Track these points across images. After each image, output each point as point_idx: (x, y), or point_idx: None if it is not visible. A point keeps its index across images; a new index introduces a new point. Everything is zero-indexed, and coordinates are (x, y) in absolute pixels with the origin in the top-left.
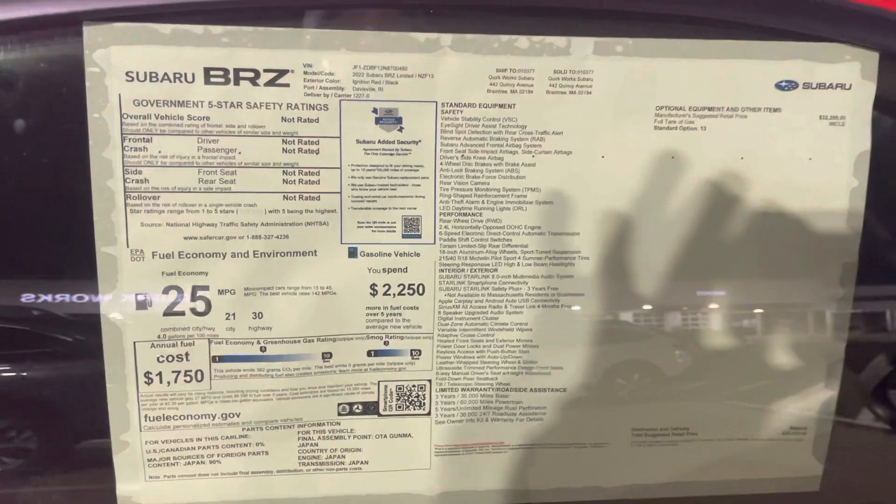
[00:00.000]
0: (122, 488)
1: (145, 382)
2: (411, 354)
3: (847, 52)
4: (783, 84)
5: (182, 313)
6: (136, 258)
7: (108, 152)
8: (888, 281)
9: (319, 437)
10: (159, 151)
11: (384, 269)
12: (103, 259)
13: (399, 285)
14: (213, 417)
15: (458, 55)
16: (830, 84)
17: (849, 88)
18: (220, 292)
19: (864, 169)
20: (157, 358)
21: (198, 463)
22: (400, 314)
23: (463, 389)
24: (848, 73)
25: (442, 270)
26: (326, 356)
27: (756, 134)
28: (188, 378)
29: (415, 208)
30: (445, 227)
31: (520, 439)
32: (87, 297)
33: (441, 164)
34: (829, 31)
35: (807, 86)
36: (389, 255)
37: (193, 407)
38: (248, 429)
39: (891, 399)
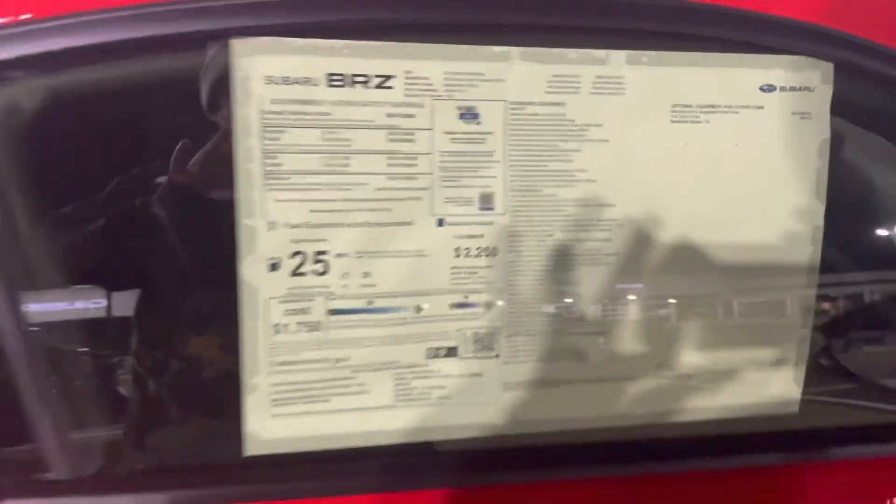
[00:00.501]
0: (250, 426)
1: (273, 333)
2: (486, 306)
3: (810, 63)
4: (765, 87)
5: (305, 274)
6: (271, 228)
7: (250, 141)
8: (850, 242)
9: (412, 377)
10: (291, 141)
11: (465, 236)
12: (244, 229)
13: (476, 248)
14: (327, 362)
15: (523, 64)
16: (799, 87)
17: (812, 90)
18: (337, 256)
19: (826, 152)
20: (284, 311)
21: (313, 402)
22: (476, 273)
23: (525, 335)
24: (811, 79)
25: (510, 236)
26: (419, 309)
27: (746, 125)
28: (308, 328)
29: (489, 186)
30: (513, 201)
31: (571, 376)
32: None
33: (509, 150)
34: (797, 47)
35: (782, 89)
36: (469, 224)
37: (311, 353)
38: (355, 371)
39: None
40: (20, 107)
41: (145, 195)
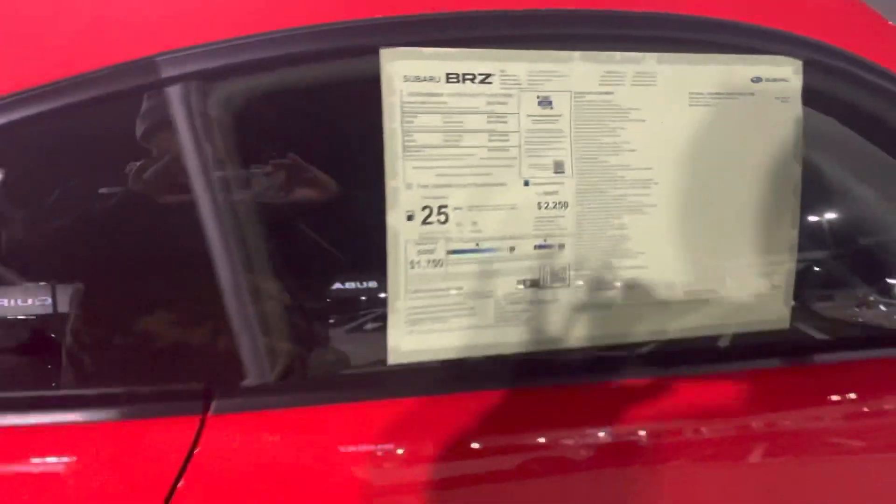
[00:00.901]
0: (392, 340)
1: (409, 268)
2: (559, 247)
3: (786, 61)
4: (754, 79)
5: (431, 223)
6: (408, 188)
7: (394, 124)
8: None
9: (506, 303)
10: (421, 123)
11: (544, 193)
12: (390, 189)
13: (553, 203)
14: (447, 290)
15: (583, 64)
16: (779, 78)
17: (788, 81)
18: (454, 209)
19: (799, 126)
20: (417, 251)
21: (437, 321)
22: (553, 221)
23: (588, 269)
24: (787, 73)
25: (577, 193)
26: (511, 249)
27: (742, 107)
28: (433, 265)
29: (560, 155)
30: (578, 166)
31: (621, 301)
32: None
33: (574, 129)
34: (777, 49)
35: (766, 80)
36: (547, 184)
37: (436, 283)
38: (466, 298)
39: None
40: (234, 101)
41: (331, 166)
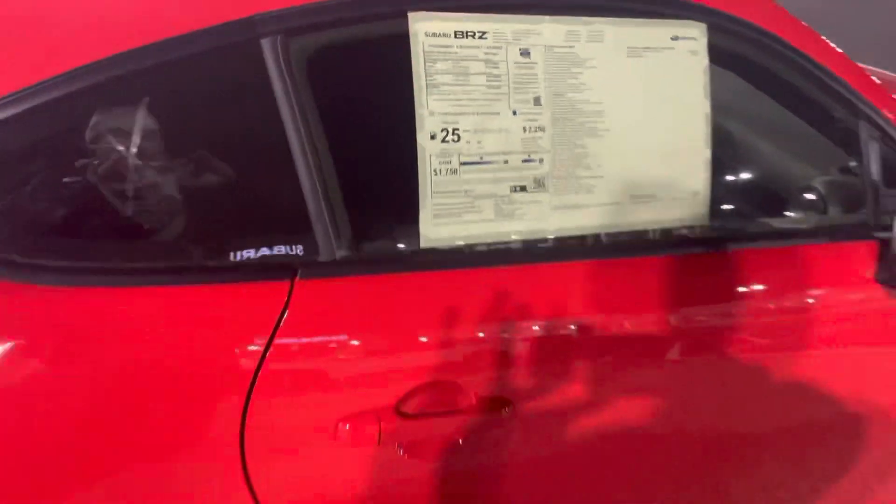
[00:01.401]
0: (423, 229)
1: (433, 174)
2: (540, 161)
3: (695, 24)
4: (673, 38)
5: (448, 141)
6: (431, 115)
7: (419, 68)
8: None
9: (503, 203)
10: (439, 67)
11: (527, 120)
12: (418, 116)
13: (533, 128)
14: (461, 192)
15: (552, 25)
16: (690, 37)
17: (697, 39)
18: (464, 131)
19: (707, 73)
20: (438, 162)
21: (454, 216)
22: (535, 141)
23: (562, 178)
24: (696, 33)
25: (551, 121)
26: (506, 161)
27: (666, 59)
28: (451, 172)
29: (538, 92)
30: (551, 101)
31: (586, 202)
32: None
33: (546, 73)
34: (689, 16)
35: (682, 38)
36: (529, 113)
37: (452, 187)
38: (474, 198)
39: None
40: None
41: (382, 100)
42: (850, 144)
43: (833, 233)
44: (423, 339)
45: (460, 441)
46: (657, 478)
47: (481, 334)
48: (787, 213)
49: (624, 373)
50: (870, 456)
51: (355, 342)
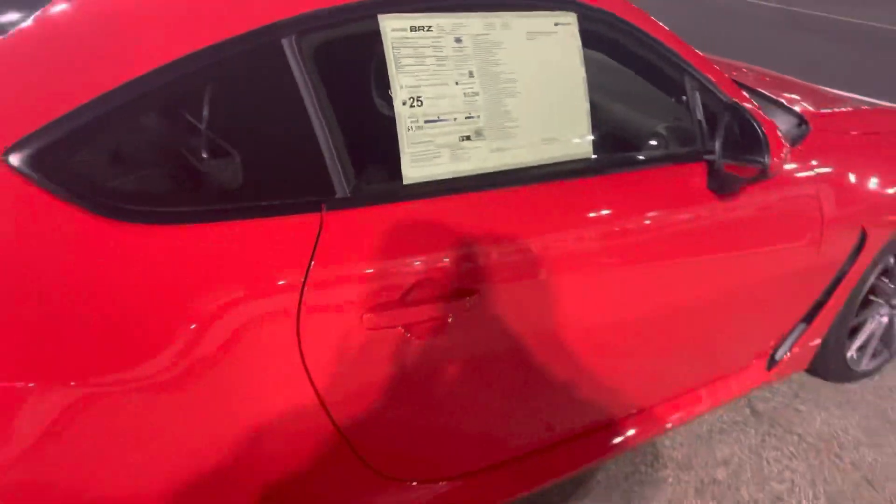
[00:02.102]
0: (404, 170)
1: (407, 130)
2: (478, 117)
3: (570, 14)
4: (556, 24)
5: (414, 106)
6: (402, 88)
7: (390, 53)
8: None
9: (457, 150)
10: (404, 52)
11: (465, 88)
12: (393, 90)
13: (471, 93)
14: (427, 142)
15: (474, 19)
16: (567, 24)
17: (570, 25)
18: (425, 98)
19: (581, 52)
20: (410, 122)
21: (423, 161)
22: (472, 104)
23: (494, 129)
24: (571, 20)
25: (481, 88)
26: (455, 119)
27: (552, 40)
28: (418, 128)
29: (472, 68)
30: (480, 73)
31: (511, 145)
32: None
33: (475, 54)
34: (564, 7)
35: (561, 24)
36: (466, 83)
37: (421, 138)
38: (436, 146)
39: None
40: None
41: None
42: (681, 96)
43: (676, 159)
44: (412, 247)
45: (448, 319)
46: (574, 356)
47: (450, 243)
48: (645, 149)
49: (542, 266)
50: (725, 331)
51: (365, 251)
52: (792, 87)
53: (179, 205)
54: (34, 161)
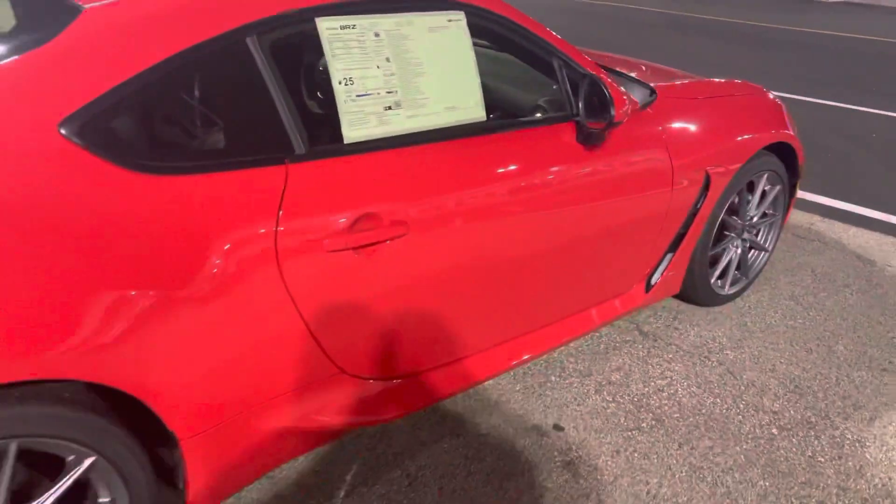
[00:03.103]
0: (344, 132)
1: (343, 103)
2: (396, 92)
3: (459, 13)
4: (449, 20)
5: (347, 84)
6: (337, 71)
7: (326, 47)
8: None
9: (381, 117)
10: (336, 45)
11: (385, 69)
12: (331, 72)
13: (389, 73)
14: (359, 112)
15: (386, 18)
16: (457, 20)
17: (461, 21)
18: (356, 79)
19: (470, 42)
20: (345, 96)
21: (359, 124)
22: (391, 81)
23: (408, 100)
24: (461, 16)
25: (397, 69)
26: (378, 94)
27: (446, 33)
28: (351, 101)
29: (387, 55)
30: (395, 58)
31: (419, 112)
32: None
33: (389, 44)
34: (454, 7)
35: (453, 21)
36: (384, 66)
37: (354, 108)
38: (366, 114)
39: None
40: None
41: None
42: (550, 72)
43: (552, 121)
44: (354, 190)
45: (387, 242)
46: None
47: (381, 187)
48: (528, 117)
49: (452, 205)
50: (606, 261)
51: (320, 192)
52: (654, 70)
53: (185, 160)
54: (79, 130)
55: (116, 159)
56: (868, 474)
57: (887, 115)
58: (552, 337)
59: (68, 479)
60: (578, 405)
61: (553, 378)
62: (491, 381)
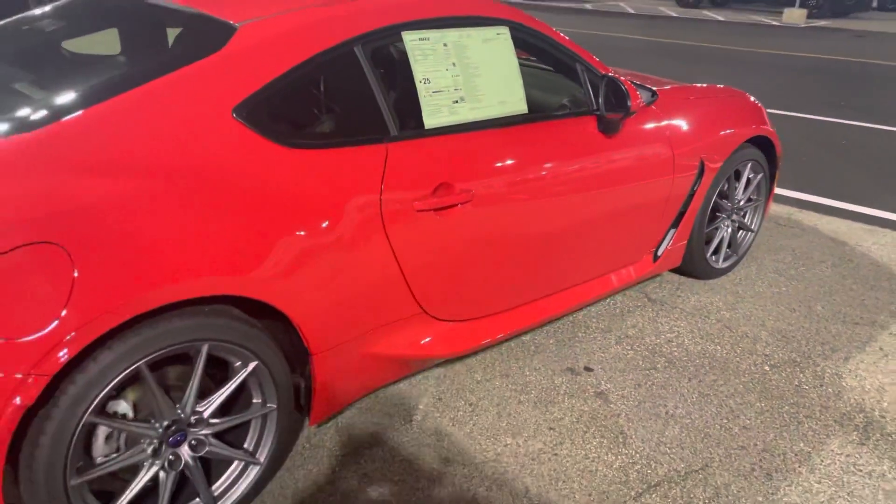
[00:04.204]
0: (424, 120)
1: (424, 97)
2: (463, 89)
3: (504, 26)
4: (497, 33)
5: (427, 83)
6: (418, 72)
7: (410, 55)
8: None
9: (451, 108)
10: (417, 54)
11: (452, 72)
12: (414, 73)
13: (458, 74)
14: (435, 104)
15: (454, 32)
16: (503, 33)
17: (508, 34)
18: (433, 80)
19: (514, 51)
20: (426, 91)
21: (435, 115)
22: (458, 80)
23: (471, 96)
24: (505, 29)
25: (462, 71)
26: (448, 90)
27: (498, 43)
28: (430, 95)
29: (455, 60)
30: (460, 63)
31: (479, 105)
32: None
33: (455, 52)
34: (500, 23)
35: (500, 34)
36: (453, 68)
37: (432, 102)
38: (440, 106)
39: None
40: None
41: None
42: (576, 79)
43: (579, 114)
44: (433, 163)
45: (458, 206)
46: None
47: (452, 161)
48: (559, 110)
49: (505, 176)
50: (624, 234)
51: (410, 164)
52: (651, 79)
53: (315, 139)
54: (246, 114)
55: (270, 136)
56: (845, 397)
57: (855, 125)
58: (581, 294)
59: (238, 378)
60: (603, 353)
61: (579, 334)
62: (528, 336)
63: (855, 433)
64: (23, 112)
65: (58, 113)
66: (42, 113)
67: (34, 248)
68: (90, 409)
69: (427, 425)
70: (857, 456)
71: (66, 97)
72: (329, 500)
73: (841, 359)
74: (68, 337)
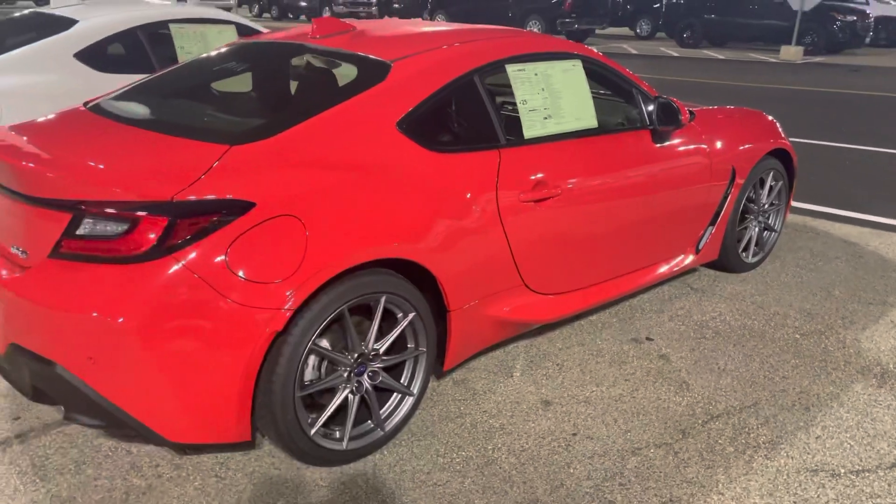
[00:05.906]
0: (524, 132)
1: (523, 115)
2: (549, 108)
3: (577, 59)
4: (573, 64)
5: (525, 104)
6: (517, 95)
7: (512, 82)
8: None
9: (543, 122)
10: (517, 81)
11: (542, 96)
12: (517, 96)
13: (549, 95)
14: (532, 120)
15: (542, 63)
16: (577, 64)
17: (580, 65)
18: (529, 101)
19: (586, 77)
20: (524, 109)
21: (532, 128)
22: (545, 101)
23: (555, 113)
24: (579, 62)
25: (552, 92)
26: (539, 109)
27: (574, 72)
28: (527, 113)
29: (545, 86)
30: (549, 87)
31: (563, 120)
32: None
33: (545, 79)
34: (574, 56)
35: (576, 65)
36: (543, 94)
37: (529, 119)
38: (535, 121)
39: None
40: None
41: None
42: (632, 100)
43: (637, 129)
44: (532, 164)
45: (552, 197)
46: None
47: (544, 164)
48: (619, 125)
49: (583, 176)
50: (673, 230)
51: (516, 165)
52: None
53: (451, 145)
54: (406, 126)
55: (421, 142)
56: (864, 355)
57: (855, 148)
58: (640, 277)
59: (402, 325)
60: (659, 328)
61: (636, 314)
62: (594, 315)
63: (874, 379)
64: (256, 124)
65: (283, 125)
66: (271, 126)
67: (282, 219)
68: (313, 337)
69: (525, 378)
70: (876, 395)
71: (284, 115)
72: (460, 430)
73: (859, 328)
74: (304, 282)
